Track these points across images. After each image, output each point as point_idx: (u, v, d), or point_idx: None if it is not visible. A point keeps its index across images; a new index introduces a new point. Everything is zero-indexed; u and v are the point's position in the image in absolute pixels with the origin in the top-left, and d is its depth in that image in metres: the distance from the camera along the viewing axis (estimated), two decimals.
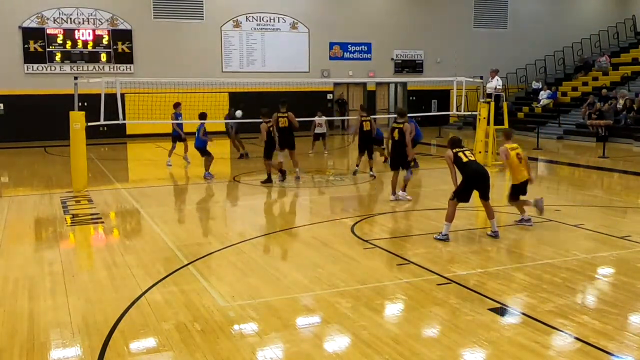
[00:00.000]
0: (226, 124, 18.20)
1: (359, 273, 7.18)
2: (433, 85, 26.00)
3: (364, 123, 13.97)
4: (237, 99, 21.04)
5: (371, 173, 14.07)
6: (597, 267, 7.49)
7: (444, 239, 8.54)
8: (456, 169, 8.87)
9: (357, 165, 14.67)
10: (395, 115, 11.60)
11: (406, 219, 10.42)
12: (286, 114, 13.70)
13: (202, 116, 15.03)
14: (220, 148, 16.12)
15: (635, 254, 8.01)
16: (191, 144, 15.15)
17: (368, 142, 14.09)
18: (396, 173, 11.34)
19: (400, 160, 11.27)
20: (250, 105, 18.64)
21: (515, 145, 9.48)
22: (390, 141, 11.42)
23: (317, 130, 19.13)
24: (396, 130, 11.10)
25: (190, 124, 16.32)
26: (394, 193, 11.47)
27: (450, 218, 8.63)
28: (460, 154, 8.77)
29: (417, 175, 14.93)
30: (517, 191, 9.47)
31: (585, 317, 5.78)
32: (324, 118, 19.53)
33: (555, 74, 29.83)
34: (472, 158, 8.86)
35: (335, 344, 5.31)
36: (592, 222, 9.68)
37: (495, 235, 8.73)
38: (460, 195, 8.71)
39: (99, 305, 6.21)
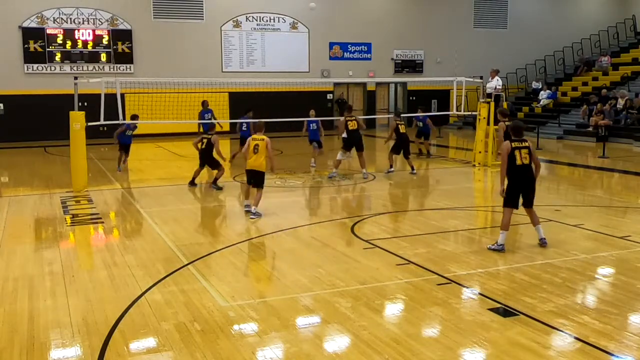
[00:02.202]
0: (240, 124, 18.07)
1: (359, 273, 7.18)
2: (433, 85, 26.00)
3: (349, 123, 14.08)
4: (236, 100, 21.01)
5: (364, 172, 14.33)
6: (597, 267, 7.49)
7: (499, 249, 8.03)
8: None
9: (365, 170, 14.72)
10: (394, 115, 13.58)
11: (406, 219, 10.42)
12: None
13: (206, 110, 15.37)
14: (221, 148, 16.06)
15: (635, 254, 8.01)
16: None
17: (358, 141, 14.28)
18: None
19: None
20: (251, 105, 18.64)
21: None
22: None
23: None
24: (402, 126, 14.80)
25: (188, 124, 16.31)
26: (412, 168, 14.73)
27: (506, 226, 8.08)
28: (517, 153, 8.00)
29: (418, 175, 14.93)
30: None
31: (585, 317, 5.78)
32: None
33: (555, 74, 29.83)
34: (527, 162, 8.04)
35: (335, 344, 5.31)
36: (592, 222, 9.68)
37: (543, 243, 8.24)
38: (511, 199, 8.11)
39: (99, 305, 6.21)
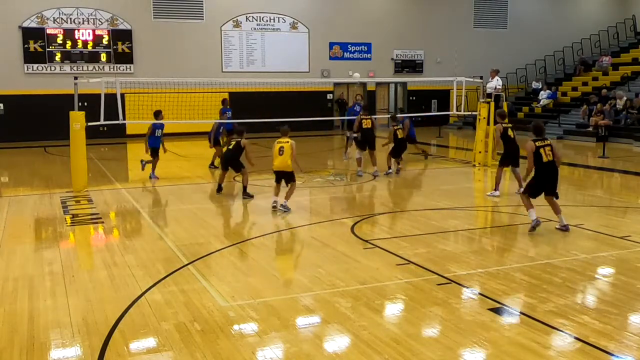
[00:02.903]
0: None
1: (359, 273, 7.18)
2: (433, 85, 26.00)
3: (363, 121, 14.39)
4: (237, 100, 21.02)
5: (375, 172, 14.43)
6: (597, 267, 7.49)
7: (535, 224, 8.79)
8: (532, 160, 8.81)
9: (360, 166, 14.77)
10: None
11: (406, 219, 10.42)
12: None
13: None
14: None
15: (635, 254, 8.01)
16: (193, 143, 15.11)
17: (371, 139, 14.53)
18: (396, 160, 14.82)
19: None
20: (251, 105, 18.66)
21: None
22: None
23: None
24: (400, 131, 14.81)
25: (189, 124, 16.29)
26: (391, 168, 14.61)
27: (530, 206, 8.86)
28: (542, 151, 8.72)
29: (418, 175, 14.93)
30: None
31: (585, 317, 5.78)
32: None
33: (555, 74, 29.83)
34: (551, 158, 8.79)
35: (335, 344, 5.31)
36: (592, 222, 9.68)
37: (565, 229, 8.88)
38: (532, 191, 8.90)
39: (99, 305, 6.21)
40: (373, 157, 14.42)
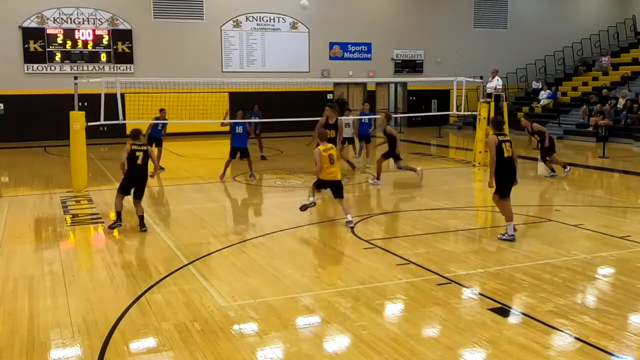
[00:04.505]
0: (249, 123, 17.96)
1: (359, 273, 7.18)
2: (433, 85, 25.99)
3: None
4: (237, 100, 21.00)
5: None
6: (597, 267, 7.49)
7: (511, 239, 8.42)
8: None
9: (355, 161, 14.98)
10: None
11: (406, 219, 10.42)
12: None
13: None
14: (222, 148, 16.08)
15: (635, 254, 8.01)
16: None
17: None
18: None
19: None
20: (251, 105, 18.64)
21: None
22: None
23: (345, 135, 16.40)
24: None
25: (188, 124, 16.28)
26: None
27: (511, 216, 8.50)
28: (503, 146, 8.51)
29: (417, 175, 14.91)
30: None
31: (585, 317, 5.78)
32: (352, 118, 16.69)
33: (555, 74, 29.83)
34: (511, 154, 8.58)
35: (335, 344, 5.31)
36: (592, 222, 9.68)
37: (512, 238, 8.50)
38: (502, 191, 8.58)
39: (99, 305, 6.21)
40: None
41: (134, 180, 9.42)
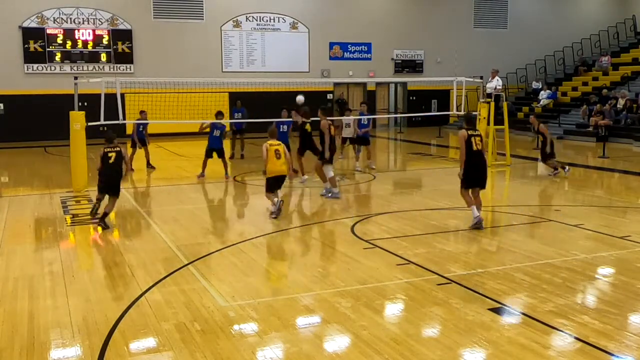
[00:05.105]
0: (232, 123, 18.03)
1: (359, 273, 7.18)
2: (433, 85, 26.01)
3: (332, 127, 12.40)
4: (236, 100, 20.94)
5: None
6: (597, 267, 7.49)
7: (478, 221, 9.07)
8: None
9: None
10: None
11: (406, 219, 10.41)
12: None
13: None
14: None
15: (635, 254, 8.00)
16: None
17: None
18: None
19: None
20: (251, 105, 18.65)
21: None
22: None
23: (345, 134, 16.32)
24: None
25: (189, 124, 16.28)
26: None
27: (471, 203, 9.18)
28: (472, 140, 9.04)
29: (417, 175, 14.93)
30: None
31: (585, 317, 5.78)
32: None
33: (555, 74, 29.84)
34: (480, 147, 9.12)
35: (335, 344, 5.31)
36: (592, 222, 9.68)
37: (479, 225, 9.11)
38: (467, 182, 9.15)
39: (99, 305, 6.21)
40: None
41: (108, 179, 9.77)
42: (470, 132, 9.13)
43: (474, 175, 9.12)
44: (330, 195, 11.79)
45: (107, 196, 9.85)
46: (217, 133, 14.29)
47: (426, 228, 9.48)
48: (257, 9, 26.64)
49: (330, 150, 11.91)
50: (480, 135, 9.23)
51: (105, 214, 9.62)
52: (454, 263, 7.58)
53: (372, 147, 16.52)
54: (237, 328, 5.65)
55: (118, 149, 9.88)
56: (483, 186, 9.30)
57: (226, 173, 14.37)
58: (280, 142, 10.46)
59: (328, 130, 11.85)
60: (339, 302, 6.24)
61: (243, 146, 18.18)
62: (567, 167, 14.27)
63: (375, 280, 6.91)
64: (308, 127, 12.73)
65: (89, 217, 10.44)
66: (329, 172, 11.90)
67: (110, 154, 9.76)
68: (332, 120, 12.71)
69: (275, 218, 10.03)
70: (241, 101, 18.55)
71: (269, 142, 10.34)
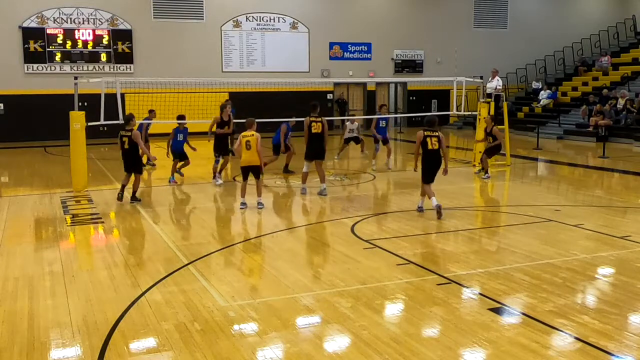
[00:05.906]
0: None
1: (359, 273, 7.18)
2: (433, 85, 26.01)
3: (313, 124, 12.10)
4: (236, 100, 20.97)
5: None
6: (597, 267, 7.49)
7: (420, 210, 10.39)
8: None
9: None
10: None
11: (406, 219, 10.41)
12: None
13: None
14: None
15: (635, 254, 8.00)
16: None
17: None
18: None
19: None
20: (251, 104, 18.64)
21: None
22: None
23: (349, 135, 17.16)
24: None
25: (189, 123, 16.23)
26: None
27: (424, 194, 10.35)
28: (428, 140, 10.08)
29: (417, 175, 14.90)
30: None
31: (585, 317, 5.78)
32: (356, 118, 16.60)
33: (555, 74, 29.83)
34: (436, 147, 10.10)
35: (335, 344, 5.31)
36: (592, 222, 9.68)
37: (421, 210, 10.39)
38: (425, 177, 10.25)
39: (99, 305, 6.21)
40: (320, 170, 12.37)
41: (125, 161, 11.44)
42: (427, 133, 10.10)
43: (428, 171, 10.17)
44: (304, 192, 12.36)
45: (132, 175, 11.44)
46: (180, 137, 14.22)
47: (426, 228, 9.48)
48: (257, 9, 26.64)
49: (309, 148, 12.08)
50: (437, 136, 10.12)
51: (134, 192, 11.41)
52: (454, 263, 7.58)
53: (372, 147, 16.49)
54: (237, 328, 5.65)
55: (129, 133, 11.20)
56: (431, 180, 10.28)
57: (175, 174, 14.16)
58: (253, 133, 10.67)
59: (308, 128, 12.00)
60: (339, 302, 6.24)
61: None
62: (488, 174, 14.16)
63: (375, 280, 6.91)
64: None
65: (89, 217, 10.44)
66: (305, 168, 12.35)
67: (124, 139, 11.27)
68: (330, 120, 12.80)
69: (242, 209, 10.83)
70: (233, 101, 18.47)
71: (243, 133, 10.74)
